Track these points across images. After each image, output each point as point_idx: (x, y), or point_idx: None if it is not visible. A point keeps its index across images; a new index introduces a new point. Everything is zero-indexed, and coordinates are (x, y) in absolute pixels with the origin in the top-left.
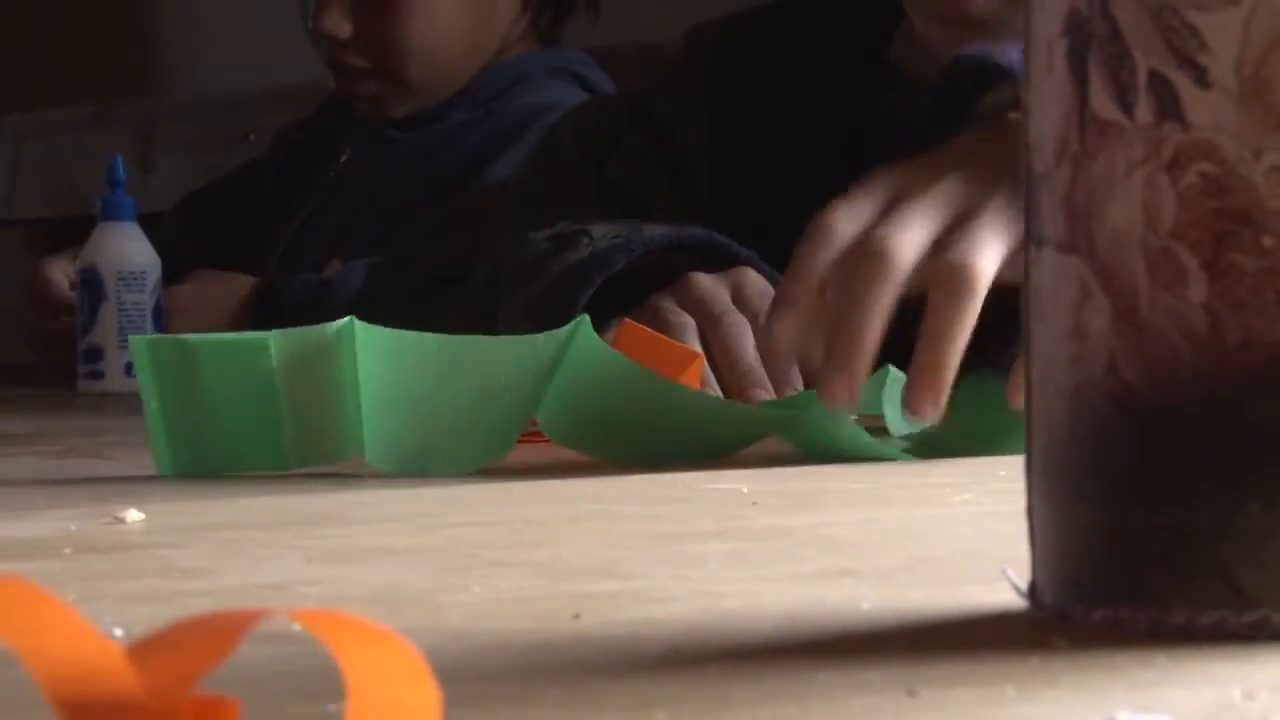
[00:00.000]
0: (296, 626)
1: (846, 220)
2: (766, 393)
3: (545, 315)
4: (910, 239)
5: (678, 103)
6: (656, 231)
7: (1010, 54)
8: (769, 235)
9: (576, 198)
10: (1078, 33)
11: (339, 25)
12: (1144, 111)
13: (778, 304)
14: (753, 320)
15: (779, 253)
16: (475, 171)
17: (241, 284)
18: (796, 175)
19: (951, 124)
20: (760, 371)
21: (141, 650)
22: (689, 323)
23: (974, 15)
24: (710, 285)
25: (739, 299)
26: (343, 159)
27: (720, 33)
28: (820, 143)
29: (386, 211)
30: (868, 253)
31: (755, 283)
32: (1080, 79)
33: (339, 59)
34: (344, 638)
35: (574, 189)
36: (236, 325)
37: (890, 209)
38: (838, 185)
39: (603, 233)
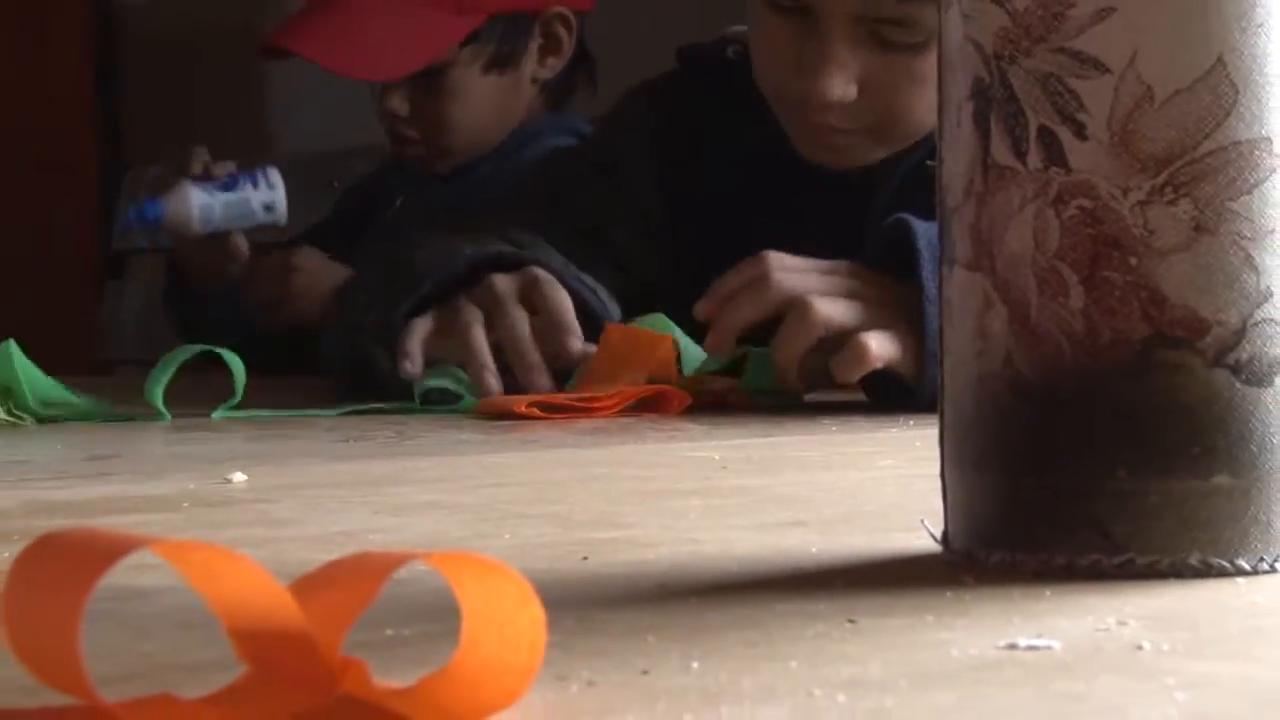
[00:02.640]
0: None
1: (780, 273)
2: (542, 376)
3: (385, 312)
4: (835, 321)
5: (631, 154)
6: (483, 250)
7: (925, 232)
8: (718, 263)
9: (519, 226)
10: (981, 97)
11: (399, 105)
12: (1034, 159)
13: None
14: (532, 312)
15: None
16: None
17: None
18: (732, 213)
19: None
20: (535, 356)
21: (302, 591)
22: (476, 318)
23: (832, 126)
24: (502, 284)
25: (528, 293)
26: (398, 203)
27: (658, 93)
28: (751, 187)
29: None
30: (798, 314)
31: (543, 281)
32: (983, 133)
33: (397, 130)
34: (461, 571)
35: (523, 220)
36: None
37: (832, 289)
38: (769, 229)
39: (470, 250)
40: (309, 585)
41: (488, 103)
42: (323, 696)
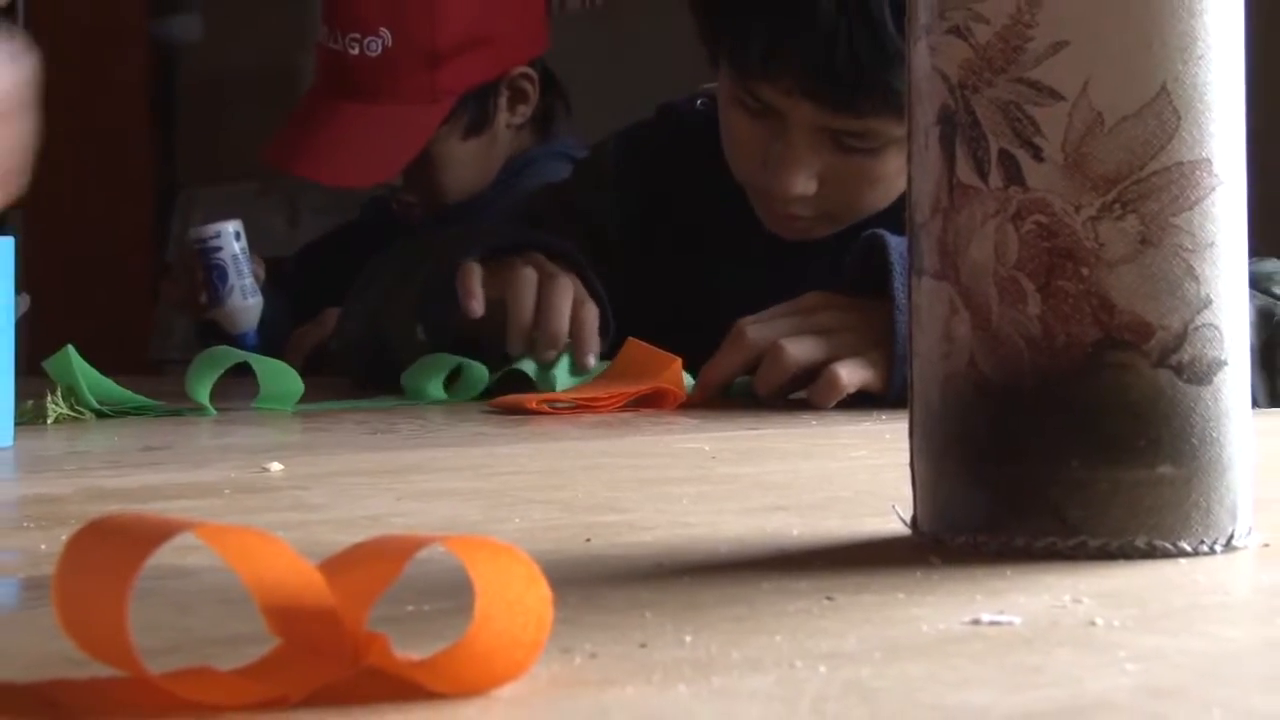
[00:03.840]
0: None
1: (753, 328)
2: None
3: (432, 274)
4: (805, 359)
5: (595, 198)
6: (537, 234)
7: (898, 247)
8: (680, 306)
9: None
10: (947, 122)
11: (394, 178)
12: (995, 178)
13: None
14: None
15: (684, 312)
16: None
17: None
18: (695, 258)
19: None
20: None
21: (330, 570)
22: (531, 275)
23: (793, 214)
24: (551, 265)
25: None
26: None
27: (631, 143)
28: (714, 234)
29: None
30: (771, 358)
31: (579, 288)
32: (949, 155)
33: (394, 196)
34: (475, 553)
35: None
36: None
37: (802, 329)
38: (723, 264)
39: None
40: (337, 565)
41: (472, 163)
42: (348, 668)
